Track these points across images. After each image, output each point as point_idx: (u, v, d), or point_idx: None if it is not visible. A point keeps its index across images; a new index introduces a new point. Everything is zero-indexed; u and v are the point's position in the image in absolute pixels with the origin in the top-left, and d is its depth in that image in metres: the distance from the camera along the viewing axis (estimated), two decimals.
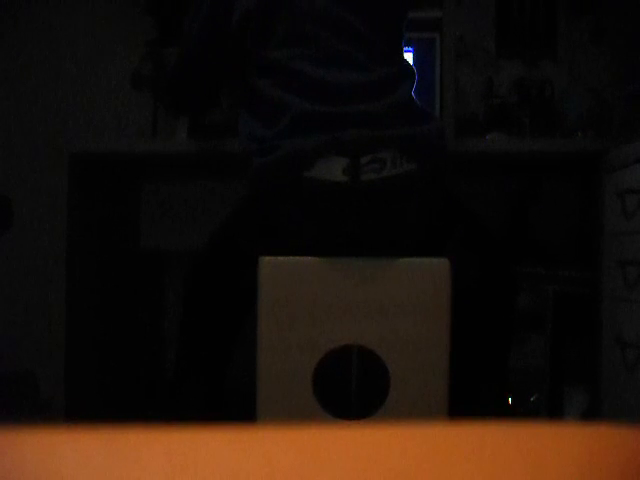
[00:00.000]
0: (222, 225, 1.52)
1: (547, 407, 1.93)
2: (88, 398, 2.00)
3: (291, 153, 1.31)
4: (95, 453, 0.21)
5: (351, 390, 1.56)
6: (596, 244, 1.83)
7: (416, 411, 1.31)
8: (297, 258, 1.33)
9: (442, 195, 1.44)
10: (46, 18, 2.42)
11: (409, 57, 2.13)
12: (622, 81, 2.22)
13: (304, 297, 1.32)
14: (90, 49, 2.42)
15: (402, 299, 1.32)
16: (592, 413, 1.81)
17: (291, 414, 1.31)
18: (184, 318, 1.54)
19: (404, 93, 1.38)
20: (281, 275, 1.32)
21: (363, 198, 1.33)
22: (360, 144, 1.31)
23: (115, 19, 2.41)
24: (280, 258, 1.32)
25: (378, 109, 1.34)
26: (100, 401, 2.06)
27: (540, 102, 2.12)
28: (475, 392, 1.50)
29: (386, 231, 1.37)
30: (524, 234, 2.18)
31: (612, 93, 2.20)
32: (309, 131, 1.32)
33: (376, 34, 1.41)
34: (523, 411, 1.93)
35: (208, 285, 1.51)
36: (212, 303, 1.50)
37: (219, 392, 1.51)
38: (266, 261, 1.32)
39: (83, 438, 0.22)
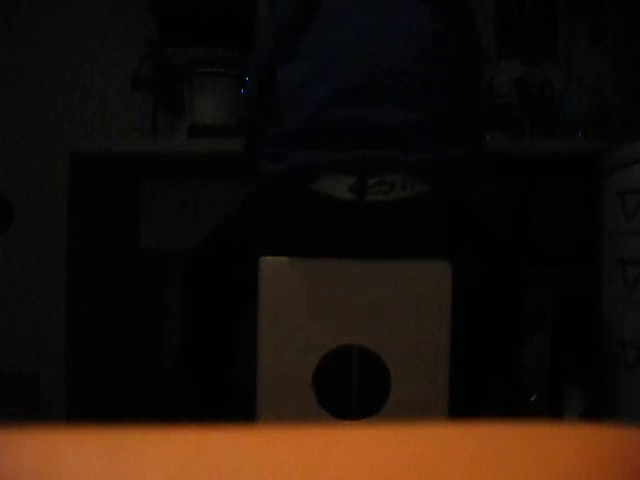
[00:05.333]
0: (223, 223, 1.52)
1: (547, 407, 1.93)
2: (88, 398, 2.00)
3: (299, 166, 1.28)
4: (95, 453, 0.21)
5: (351, 390, 1.56)
6: (596, 244, 1.83)
7: (416, 411, 1.31)
8: (297, 259, 1.33)
9: (456, 213, 1.40)
10: (46, 18, 2.42)
11: None
12: (622, 81, 2.21)
13: (304, 297, 1.32)
14: (90, 49, 2.42)
15: (403, 300, 1.32)
16: (592, 413, 1.81)
17: (291, 414, 1.31)
18: (185, 315, 1.54)
19: (435, 111, 1.30)
20: (281, 275, 1.32)
21: (367, 217, 1.30)
22: (368, 166, 1.27)
23: (115, 19, 2.41)
24: (280, 258, 1.32)
25: (399, 127, 1.27)
26: (100, 401, 2.06)
27: (540, 102, 2.12)
28: (487, 390, 1.50)
29: (388, 252, 1.35)
30: (524, 234, 2.18)
31: (612, 93, 2.20)
32: (322, 142, 1.27)
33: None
34: (523, 411, 1.93)
35: (207, 283, 1.51)
36: (209, 301, 1.50)
37: (220, 390, 1.51)
38: (266, 261, 1.32)
39: (83, 438, 0.22)
